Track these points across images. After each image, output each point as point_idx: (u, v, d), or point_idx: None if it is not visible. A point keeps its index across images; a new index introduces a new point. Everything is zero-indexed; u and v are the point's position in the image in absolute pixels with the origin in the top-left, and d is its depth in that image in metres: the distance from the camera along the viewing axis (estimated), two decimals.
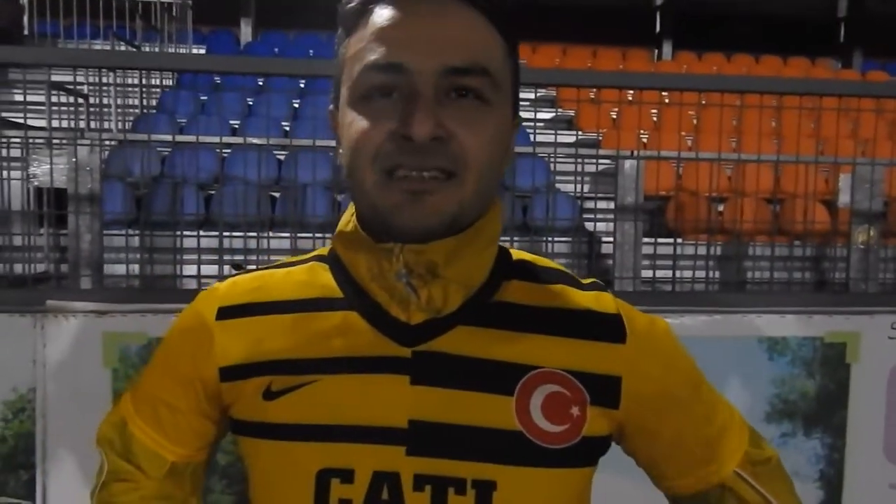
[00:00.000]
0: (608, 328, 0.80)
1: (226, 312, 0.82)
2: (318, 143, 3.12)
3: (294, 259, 0.87)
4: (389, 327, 0.76)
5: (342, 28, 0.76)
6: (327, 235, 3.25)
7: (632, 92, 3.78)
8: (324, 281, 0.81)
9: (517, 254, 0.85)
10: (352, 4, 0.74)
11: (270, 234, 3.12)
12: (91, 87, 5.15)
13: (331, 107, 0.80)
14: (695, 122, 6.04)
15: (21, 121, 4.09)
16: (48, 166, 2.86)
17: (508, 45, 0.76)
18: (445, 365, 0.75)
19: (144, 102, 6.28)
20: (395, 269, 0.74)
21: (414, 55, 0.69)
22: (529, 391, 0.75)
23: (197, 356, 0.83)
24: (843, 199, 3.56)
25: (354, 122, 0.71)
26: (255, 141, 3.37)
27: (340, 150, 0.76)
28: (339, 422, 0.75)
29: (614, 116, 6.67)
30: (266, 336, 0.80)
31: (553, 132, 3.76)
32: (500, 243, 0.82)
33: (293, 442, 0.76)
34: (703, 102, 4.56)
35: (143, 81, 5.97)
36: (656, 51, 11.78)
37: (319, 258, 0.84)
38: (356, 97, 0.72)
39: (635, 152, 3.49)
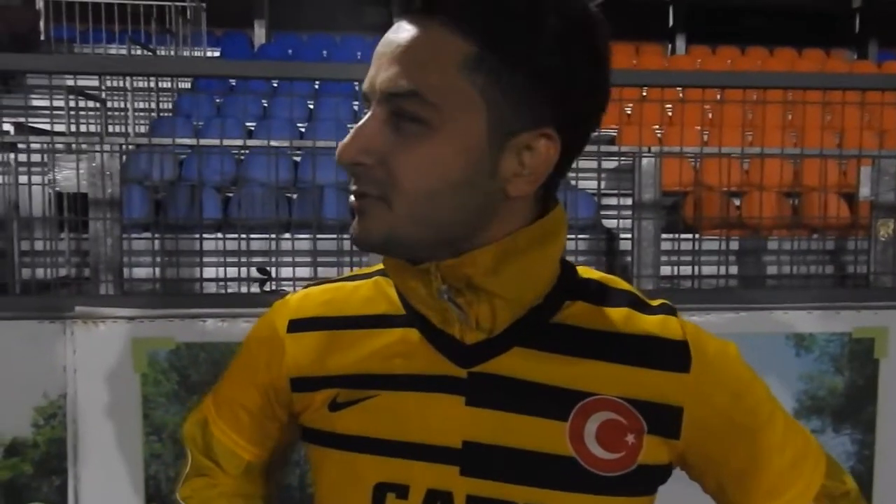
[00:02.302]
0: (672, 356, 0.77)
1: (297, 325, 0.85)
2: (335, 144, 3.11)
3: (361, 272, 0.89)
4: (446, 346, 0.76)
5: None
6: (344, 236, 3.25)
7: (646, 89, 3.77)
8: (388, 297, 0.82)
9: (586, 272, 0.83)
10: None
11: (293, 236, 3.12)
12: (108, 92, 5.19)
13: None
14: (710, 116, 6.00)
15: (36, 126, 4.12)
16: (69, 171, 2.89)
17: (484, 51, 0.67)
18: (500, 387, 0.75)
19: (160, 105, 6.31)
20: (436, 287, 0.74)
21: (369, 83, 0.72)
22: (584, 417, 0.75)
23: (270, 365, 0.86)
24: (864, 191, 3.52)
25: None
26: (276, 144, 3.38)
27: None
28: (397, 438, 0.76)
29: (629, 112, 6.64)
30: (334, 351, 0.82)
31: None
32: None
33: (355, 453, 0.78)
34: (719, 98, 4.53)
35: (161, 85, 6.00)
36: (669, 45, 11.72)
37: (384, 273, 0.85)
38: None
39: (654, 149, 3.47)
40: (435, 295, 0.74)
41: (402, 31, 0.70)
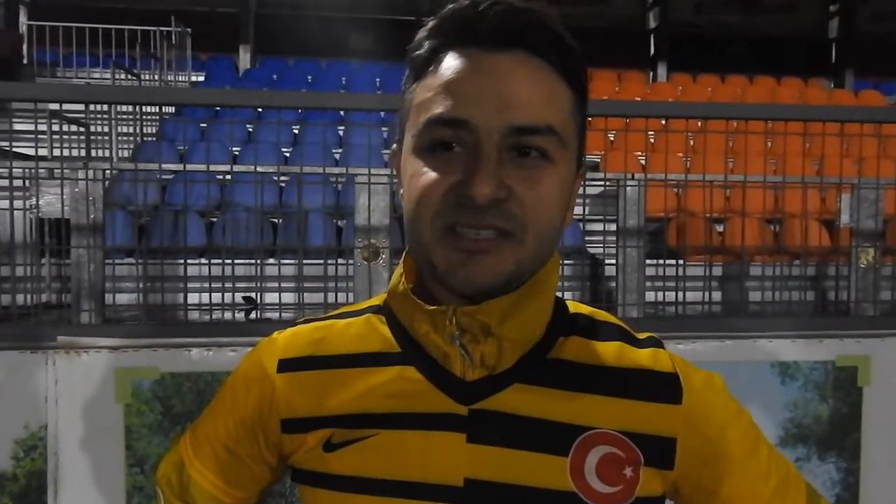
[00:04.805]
0: (664, 389, 0.79)
1: (287, 365, 0.83)
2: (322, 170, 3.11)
3: (351, 309, 0.88)
4: (446, 384, 0.76)
5: (410, 72, 0.76)
6: (331, 262, 3.25)
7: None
8: (381, 334, 0.82)
9: (574, 306, 0.84)
10: (421, 51, 0.74)
11: (280, 261, 3.10)
12: (91, 116, 5.17)
13: (394, 146, 0.80)
14: (692, 143, 6.07)
15: (16, 150, 4.09)
16: (52, 196, 2.86)
17: (578, 97, 0.75)
18: (501, 424, 0.75)
19: (144, 130, 6.30)
20: (449, 332, 0.74)
21: (480, 111, 0.69)
22: (584, 452, 0.76)
23: (259, 406, 0.84)
24: (845, 218, 3.56)
25: (417, 175, 0.72)
26: (262, 169, 3.38)
27: (402, 196, 0.76)
28: (397, 477, 0.75)
29: (612, 139, 6.70)
30: (327, 391, 0.80)
31: None
32: None
33: (352, 494, 0.77)
34: (700, 124, 4.58)
35: (145, 109, 5.98)
36: (651, 73, 11.87)
37: (376, 309, 0.85)
38: (420, 148, 0.72)
39: (638, 176, 3.50)
40: (446, 340, 0.75)
41: (514, 68, 0.70)
